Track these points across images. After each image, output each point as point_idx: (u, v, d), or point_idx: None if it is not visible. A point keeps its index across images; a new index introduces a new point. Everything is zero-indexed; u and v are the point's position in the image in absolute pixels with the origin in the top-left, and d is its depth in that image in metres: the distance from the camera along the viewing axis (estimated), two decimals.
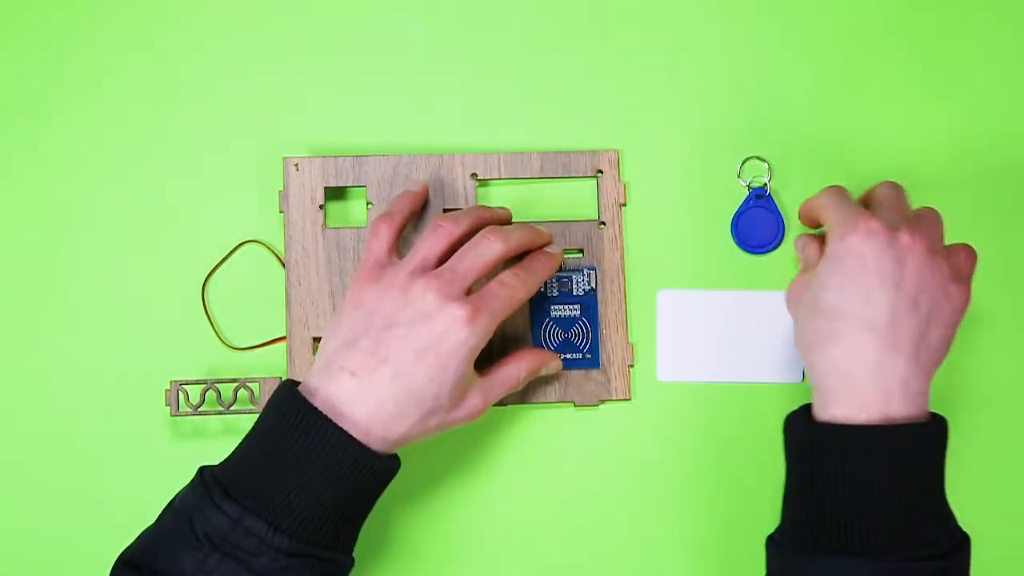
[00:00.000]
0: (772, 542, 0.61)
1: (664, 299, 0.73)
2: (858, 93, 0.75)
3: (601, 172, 0.73)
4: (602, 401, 0.71)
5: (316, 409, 0.59)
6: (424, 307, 0.61)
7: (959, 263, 0.63)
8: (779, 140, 0.75)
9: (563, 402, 0.71)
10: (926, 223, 0.63)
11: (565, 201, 0.74)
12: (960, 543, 0.59)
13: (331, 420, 0.59)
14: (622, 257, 0.72)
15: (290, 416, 0.59)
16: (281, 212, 0.71)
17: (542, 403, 0.71)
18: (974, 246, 0.65)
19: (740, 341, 0.73)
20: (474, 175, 0.72)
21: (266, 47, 0.76)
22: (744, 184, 0.74)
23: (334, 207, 0.73)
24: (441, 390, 0.61)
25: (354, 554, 0.62)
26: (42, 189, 0.74)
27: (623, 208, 0.73)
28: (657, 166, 0.75)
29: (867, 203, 0.65)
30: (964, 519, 0.60)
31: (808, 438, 0.59)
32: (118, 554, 0.60)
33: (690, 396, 0.73)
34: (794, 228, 0.74)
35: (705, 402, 0.73)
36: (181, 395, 0.70)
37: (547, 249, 0.69)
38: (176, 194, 0.74)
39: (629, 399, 0.72)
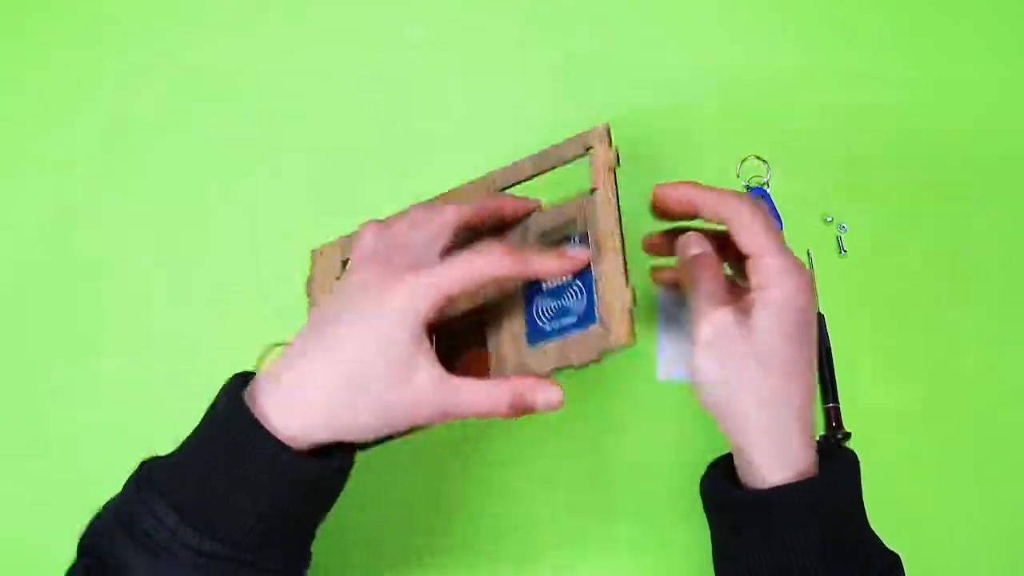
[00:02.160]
0: None
1: (664, 299, 0.73)
2: (858, 93, 0.75)
3: (592, 148, 0.66)
4: (603, 353, 0.61)
5: (244, 405, 0.54)
6: (362, 279, 0.56)
7: None
8: (779, 140, 0.75)
9: (560, 367, 0.62)
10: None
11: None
12: (893, 563, 0.59)
13: (257, 421, 0.53)
14: (618, 218, 0.64)
15: (219, 412, 0.55)
16: (309, 298, 0.69)
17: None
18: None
19: None
20: None
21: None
22: (744, 183, 0.74)
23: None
24: (376, 359, 0.54)
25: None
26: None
27: (614, 172, 0.65)
28: (657, 165, 0.75)
29: (730, 216, 0.61)
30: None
31: (751, 505, 0.58)
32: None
33: (690, 396, 0.73)
34: (793, 228, 0.74)
35: None
36: None
37: (569, 251, 0.62)
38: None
39: (631, 343, 0.61)
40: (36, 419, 0.73)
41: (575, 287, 0.65)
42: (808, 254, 0.74)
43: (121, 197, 0.75)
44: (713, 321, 0.58)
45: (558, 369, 0.62)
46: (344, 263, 0.69)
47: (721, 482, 0.60)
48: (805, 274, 0.59)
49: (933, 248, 0.74)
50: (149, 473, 0.57)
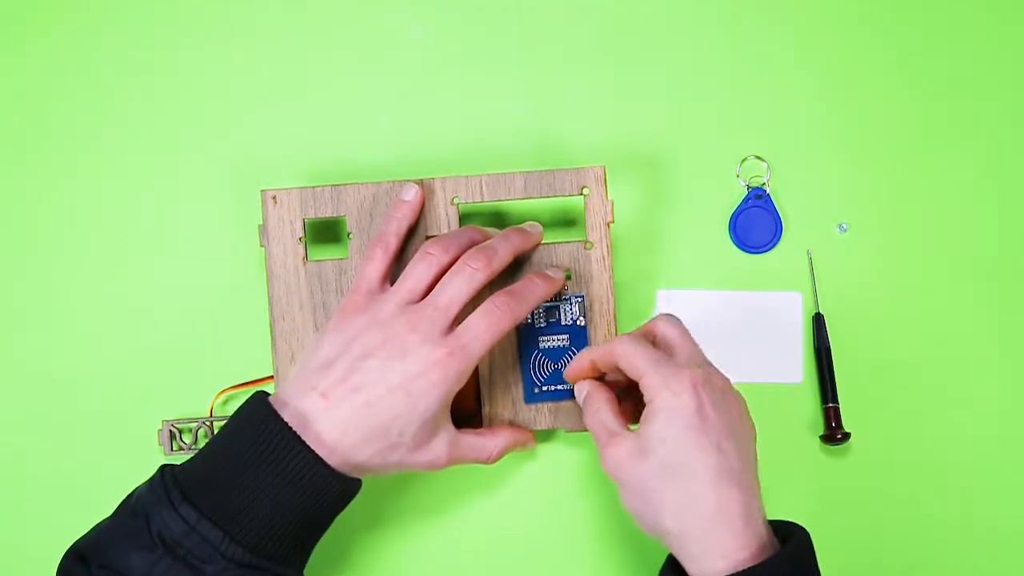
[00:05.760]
0: None
1: (664, 299, 0.73)
2: (858, 93, 0.75)
3: (587, 189, 0.69)
4: None
5: (284, 422, 0.59)
6: (402, 344, 0.61)
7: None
8: (779, 140, 0.75)
9: (553, 428, 0.69)
10: (701, 354, 0.63)
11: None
12: None
13: (297, 435, 0.59)
14: (611, 279, 0.69)
15: (257, 425, 0.59)
16: (262, 246, 0.69)
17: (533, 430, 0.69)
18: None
19: (739, 341, 0.73)
20: (455, 200, 0.69)
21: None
22: (743, 184, 0.74)
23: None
24: (407, 427, 0.60)
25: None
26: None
27: (610, 227, 0.69)
28: (657, 165, 0.75)
29: (654, 342, 0.64)
30: None
31: None
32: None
33: None
34: (793, 228, 0.74)
35: None
36: (174, 435, 0.70)
37: (548, 272, 0.66)
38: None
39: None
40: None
41: (571, 352, 0.69)
42: (808, 254, 0.74)
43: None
44: (607, 457, 0.61)
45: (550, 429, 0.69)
46: (306, 223, 0.69)
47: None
48: (688, 379, 0.59)
49: (933, 248, 0.74)
50: (172, 475, 0.60)
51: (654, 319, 0.65)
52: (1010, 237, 0.74)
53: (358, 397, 0.60)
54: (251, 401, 0.61)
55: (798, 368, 0.73)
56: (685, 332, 0.64)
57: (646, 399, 0.60)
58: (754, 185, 0.74)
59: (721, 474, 0.58)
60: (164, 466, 0.61)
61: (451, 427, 0.64)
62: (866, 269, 0.74)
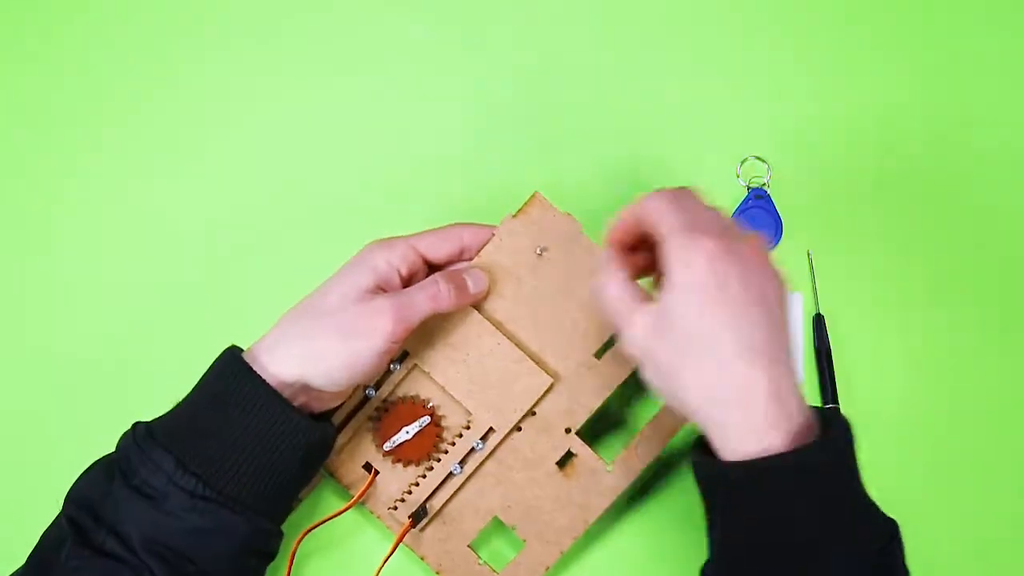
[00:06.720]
0: None
1: None
2: (858, 93, 0.75)
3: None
4: None
5: (249, 368, 0.60)
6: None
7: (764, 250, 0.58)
8: (779, 140, 0.75)
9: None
10: (731, 223, 0.58)
11: None
12: (892, 533, 0.56)
13: (252, 368, 0.60)
14: None
15: (229, 375, 0.61)
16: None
17: None
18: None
19: None
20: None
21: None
22: (743, 184, 0.74)
23: None
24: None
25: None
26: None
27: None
28: (657, 165, 0.75)
29: (649, 218, 0.58)
30: None
31: (726, 480, 0.55)
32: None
33: None
34: (793, 228, 0.74)
35: None
36: None
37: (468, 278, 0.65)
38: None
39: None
40: None
41: None
42: (808, 255, 0.74)
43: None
44: (625, 336, 0.58)
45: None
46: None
47: (705, 458, 0.57)
48: (703, 251, 0.54)
49: (934, 248, 0.74)
50: (146, 429, 0.61)
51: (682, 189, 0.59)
52: (1011, 237, 0.74)
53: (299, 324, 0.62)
54: (220, 361, 0.62)
55: (798, 368, 0.73)
56: (695, 194, 0.59)
57: (663, 269, 0.56)
58: (754, 185, 0.74)
59: (742, 350, 0.54)
60: (136, 422, 0.62)
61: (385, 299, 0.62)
62: (866, 270, 0.74)
